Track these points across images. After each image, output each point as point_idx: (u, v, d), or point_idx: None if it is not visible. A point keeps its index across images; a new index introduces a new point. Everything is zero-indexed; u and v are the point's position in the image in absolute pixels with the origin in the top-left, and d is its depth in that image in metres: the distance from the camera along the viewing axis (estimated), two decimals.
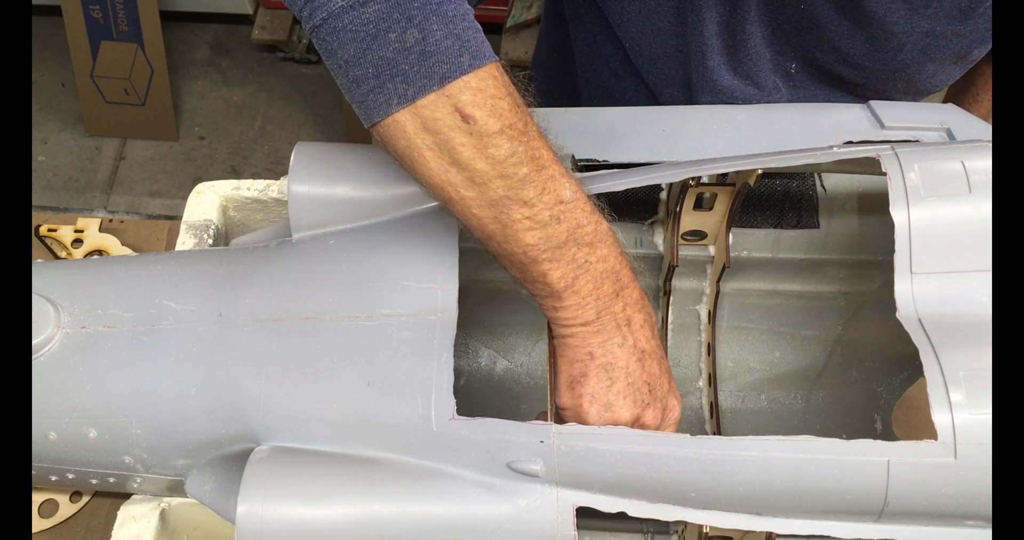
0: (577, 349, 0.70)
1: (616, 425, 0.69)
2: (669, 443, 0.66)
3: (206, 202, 0.94)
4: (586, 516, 0.69)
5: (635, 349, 0.69)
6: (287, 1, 0.64)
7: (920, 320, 0.68)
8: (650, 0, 0.87)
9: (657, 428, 0.71)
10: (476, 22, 0.63)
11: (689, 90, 0.92)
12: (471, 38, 0.62)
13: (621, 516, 0.68)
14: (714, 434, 0.92)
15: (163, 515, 0.79)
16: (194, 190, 0.95)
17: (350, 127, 2.38)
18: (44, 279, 0.77)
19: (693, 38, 0.87)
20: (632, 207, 0.94)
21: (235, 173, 2.39)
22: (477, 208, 0.65)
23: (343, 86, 0.65)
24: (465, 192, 0.64)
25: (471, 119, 0.61)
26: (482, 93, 0.62)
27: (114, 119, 2.39)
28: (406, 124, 0.62)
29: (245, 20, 2.56)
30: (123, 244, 0.98)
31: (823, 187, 0.94)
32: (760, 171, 0.80)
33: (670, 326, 0.97)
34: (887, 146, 0.74)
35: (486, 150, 0.62)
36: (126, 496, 0.80)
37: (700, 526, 0.70)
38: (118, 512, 0.79)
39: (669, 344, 0.97)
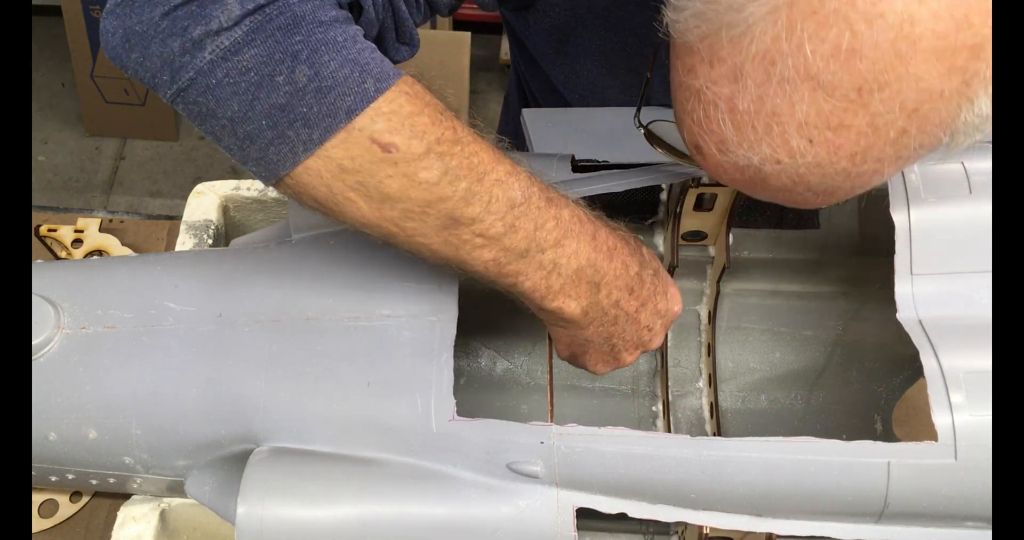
0: (573, 337, 0.69)
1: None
2: (669, 444, 0.66)
3: (206, 202, 0.94)
4: (586, 517, 0.69)
5: (628, 316, 0.67)
6: (137, 76, 0.55)
7: (920, 321, 0.68)
8: (600, 65, 0.83)
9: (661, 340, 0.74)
10: (367, 41, 0.56)
11: None
12: (369, 60, 0.55)
13: (621, 517, 0.68)
14: (714, 435, 0.92)
15: (163, 515, 0.79)
16: (194, 190, 0.94)
17: None
18: (44, 279, 0.77)
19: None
20: (632, 208, 0.94)
21: (235, 173, 2.38)
22: (422, 236, 0.59)
23: (231, 148, 0.57)
24: (406, 225, 0.58)
25: (392, 147, 0.55)
26: (396, 115, 0.55)
27: (114, 119, 2.39)
28: (320, 170, 0.55)
29: None
30: (123, 244, 0.98)
31: None
32: None
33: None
34: None
35: (417, 176, 0.56)
36: (126, 496, 0.80)
37: (700, 527, 0.70)
38: (118, 512, 0.78)
39: (669, 344, 0.97)
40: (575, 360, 0.73)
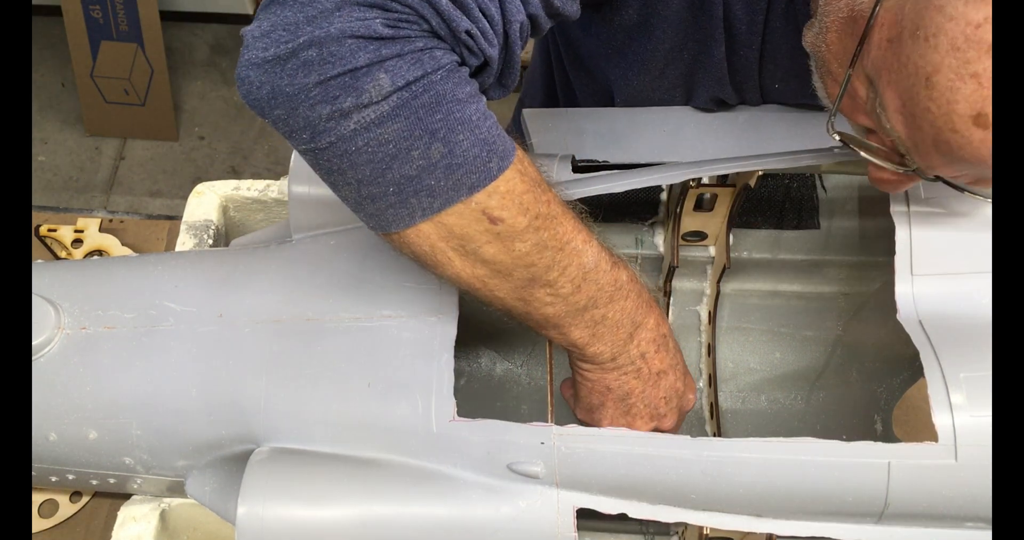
0: (595, 382, 0.71)
1: None
2: (670, 445, 0.66)
3: (206, 202, 0.94)
4: (586, 517, 0.69)
5: (650, 374, 0.71)
6: (275, 126, 0.57)
7: (921, 321, 0.68)
8: (653, 69, 0.84)
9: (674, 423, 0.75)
10: (491, 112, 0.59)
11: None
12: (495, 138, 0.58)
13: (622, 517, 0.68)
14: (714, 435, 0.92)
15: (163, 516, 0.79)
16: (194, 190, 0.95)
17: None
18: (44, 279, 0.77)
19: (698, 95, 0.87)
20: (632, 207, 0.94)
21: (235, 173, 2.38)
22: (501, 291, 0.64)
23: (347, 199, 0.61)
24: (490, 281, 0.63)
25: (499, 221, 0.59)
26: (510, 194, 0.59)
27: (114, 119, 2.39)
28: (430, 233, 0.60)
29: (245, 20, 2.56)
30: (123, 244, 0.98)
31: (823, 188, 0.93)
32: (761, 172, 0.80)
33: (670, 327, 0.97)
34: None
35: (513, 245, 0.61)
36: (126, 496, 0.80)
37: (700, 527, 0.70)
38: (118, 512, 0.78)
39: None
40: (591, 415, 0.75)
